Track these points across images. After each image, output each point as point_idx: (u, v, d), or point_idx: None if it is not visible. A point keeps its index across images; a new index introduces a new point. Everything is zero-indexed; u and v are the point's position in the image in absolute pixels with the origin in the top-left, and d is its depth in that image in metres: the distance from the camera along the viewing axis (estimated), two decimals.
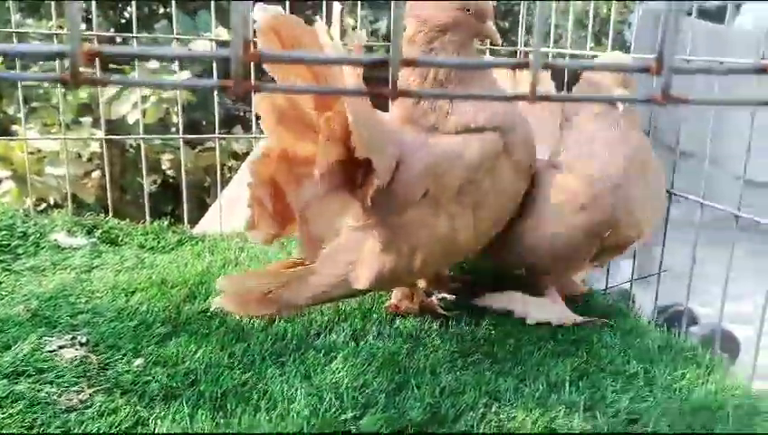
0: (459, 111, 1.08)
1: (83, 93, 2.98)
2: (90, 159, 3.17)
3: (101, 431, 0.81)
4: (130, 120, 2.90)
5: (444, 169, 1.06)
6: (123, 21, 3.61)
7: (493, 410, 0.91)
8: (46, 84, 2.87)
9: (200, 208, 2.56)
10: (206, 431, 0.83)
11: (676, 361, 1.10)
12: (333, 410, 0.88)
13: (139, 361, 0.98)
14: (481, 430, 0.87)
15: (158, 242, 1.55)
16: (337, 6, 1.02)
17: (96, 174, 3.24)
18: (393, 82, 0.37)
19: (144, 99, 2.89)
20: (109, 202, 1.68)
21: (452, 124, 1.08)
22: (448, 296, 1.28)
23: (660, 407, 0.95)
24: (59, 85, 1.81)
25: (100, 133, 1.83)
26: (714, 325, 1.31)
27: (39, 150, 2.69)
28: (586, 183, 1.16)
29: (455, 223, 1.08)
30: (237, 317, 1.11)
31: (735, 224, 1.21)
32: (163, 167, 3.55)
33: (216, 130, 1.73)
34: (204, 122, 3.36)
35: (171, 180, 3.66)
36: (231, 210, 1.70)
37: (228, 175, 2.99)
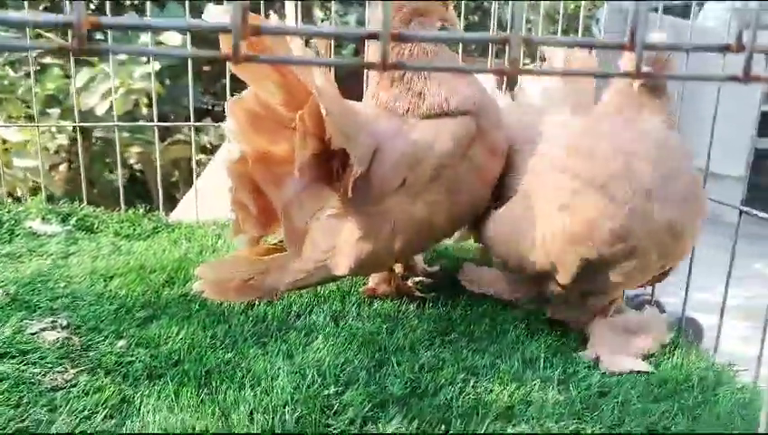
0: (432, 94, 1.11)
1: (51, 84, 2.94)
2: (57, 152, 3.13)
3: (88, 409, 0.82)
4: (99, 112, 2.87)
5: (419, 157, 1.08)
6: (90, 12, 3.56)
7: (471, 384, 0.94)
8: (12, 74, 2.83)
9: (170, 202, 2.54)
10: (191, 407, 0.85)
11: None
12: (316, 386, 0.90)
13: (121, 342, 0.99)
14: (459, 403, 0.90)
15: (134, 229, 1.55)
16: (290, 6, 1.04)
17: (63, 167, 3.20)
18: (383, 55, 0.40)
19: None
20: (83, 189, 1.68)
21: (425, 108, 1.10)
22: (425, 280, 1.31)
23: (629, 380, 0.99)
24: (31, 73, 1.79)
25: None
26: (679, 313, 1.37)
27: (4, 141, 2.66)
28: (570, 176, 1.02)
29: (432, 208, 1.10)
30: (217, 300, 1.12)
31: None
32: (131, 161, 3.52)
33: (192, 118, 1.73)
34: (173, 115, 3.35)
35: (139, 175, 3.63)
36: (204, 200, 1.71)
37: (198, 169, 2.98)
